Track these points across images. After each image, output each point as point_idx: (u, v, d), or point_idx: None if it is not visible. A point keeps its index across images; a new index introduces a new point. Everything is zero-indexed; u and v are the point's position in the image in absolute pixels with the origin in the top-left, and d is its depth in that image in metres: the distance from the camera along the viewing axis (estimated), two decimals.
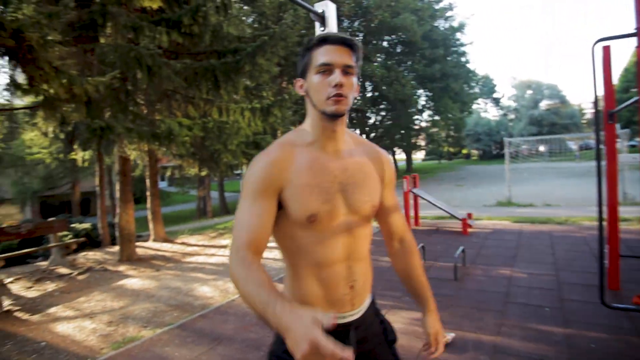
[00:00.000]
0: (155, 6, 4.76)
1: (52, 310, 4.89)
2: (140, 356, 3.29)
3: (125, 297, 5.05)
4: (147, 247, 8.76)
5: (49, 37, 3.51)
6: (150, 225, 9.17)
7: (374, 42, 24.24)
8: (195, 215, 20.61)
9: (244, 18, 15.88)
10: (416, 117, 28.01)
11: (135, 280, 5.92)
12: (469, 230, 7.44)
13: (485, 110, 51.81)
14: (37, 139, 10.42)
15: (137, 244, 9.22)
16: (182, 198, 25.79)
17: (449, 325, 3.37)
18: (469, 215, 7.54)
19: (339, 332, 1.11)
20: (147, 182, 8.92)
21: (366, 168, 1.21)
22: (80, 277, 6.41)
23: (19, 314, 4.87)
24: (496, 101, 50.51)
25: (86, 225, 9.51)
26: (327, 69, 1.08)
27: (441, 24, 27.31)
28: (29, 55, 3.49)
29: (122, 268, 6.82)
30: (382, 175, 1.27)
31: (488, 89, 48.63)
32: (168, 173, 13.46)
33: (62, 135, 7.15)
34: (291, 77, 16.42)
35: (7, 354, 3.68)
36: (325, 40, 1.10)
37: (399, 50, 25.79)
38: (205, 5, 5.32)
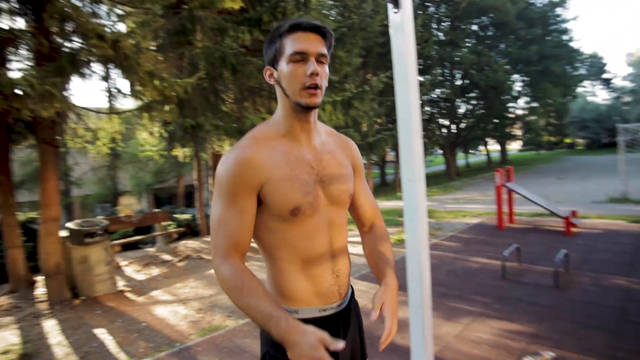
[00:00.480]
0: (237, 7, 4.85)
1: (154, 293, 5.29)
2: (222, 345, 3.35)
3: (215, 286, 5.26)
4: None
5: (141, 45, 3.74)
6: None
7: (462, 26, 22.65)
8: None
9: (325, 12, 15.84)
10: (511, 104, 25.57)
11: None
12: (574, 230, 6.50)
13: (593, 94, 45.69)
14: (147, 138, 11.52)
15: None
16: None
17: (548, 341, 2.89)
18: (573, 213, 6.58)
19: (330, 324, 1.11)
20: None
21: (339, 157, 1.18)
22: (180, 264, 6.89)
23: (129, 294, 5.35)
24: (607, 83, 44.19)
25: (187, 216, 10.27)
26: (301, 58, 1.02)
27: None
28: (124, 62, 3.75)
29: None
30: (353, 163, 1.25)
31: (597, 70, 42.74)
32: None
33: (165, 134, 7.72)
34: (375, 68, 16.01)
35: (116, 330, 4.03)
36: (298, 26, 1.03)
37: (490, 33, 23.79)
38: (284, 0, 5.29)
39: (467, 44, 22.29)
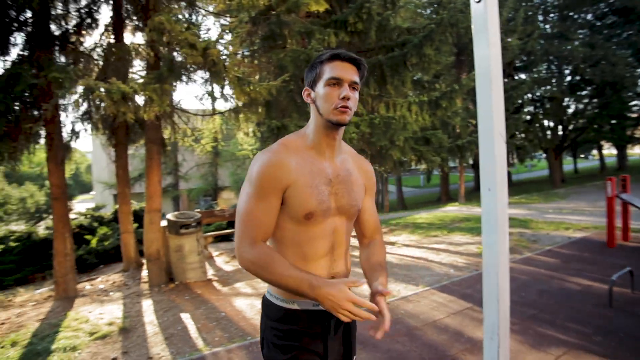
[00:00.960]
0: (322, 9, 4.83)
1: (237, 285, 5.53)
2: None
3: None
4: None
5: (229, 51, 3.92)
6: None
7: (574, 16, 20.06)
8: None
9: (419, 10, 15.19)
10: (634, 102, 21.99)
11: None
12: None
13: None
14: (245, 138, 12.21)
15: None
16: None
17: None
18: None
19: (322, 318, 1.22)
20: None
21: (354, 176, 1.30)
22: None
23: (215, 284, 5.67)
24: None
25: None
26: (336, 83, 1.16)
27: None
28: (213, 68, 3.96)
29: None
30: (366, 184, 1.37)
31: None
32: None
33: (259, 134, 8.04)
34: (471, 66, 14.94)
35: (199, 316, 4.26)
36: (337, 56, 1.18)
37: (608, 21, 20.70)
38: (368, 1, 5.14)
39: (579, 36, 19.71)
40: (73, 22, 6.02)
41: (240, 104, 5.33)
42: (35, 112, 4.28)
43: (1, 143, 3.88)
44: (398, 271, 5.58)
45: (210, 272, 6.39)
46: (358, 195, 1.29)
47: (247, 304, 4.57)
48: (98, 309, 4.82)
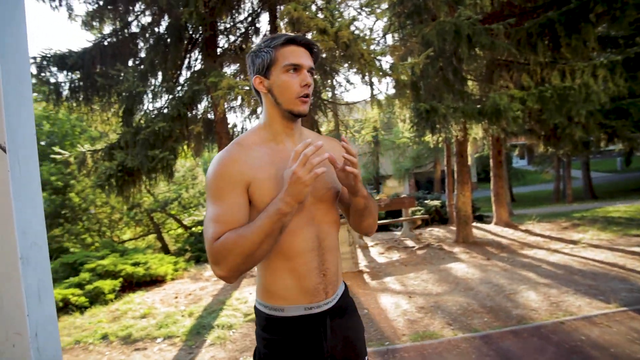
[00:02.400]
0: None
1: (387, 279, 5.27)
2: (430, 358, 2.89)
3: (445, 283, 4.75)
4: (487, 230, 8.15)
5: (361, 32, 3.63)
6: (493, 208, 8.47)
7: None
8: (552, 198, 17.71)
9: None
10: None
11: (463, 266, 5.52)
12: None
13: None
14: (404, 125, 11.81)
15: (479, 225, 8.78)
16: (541, 177, 22.60)
17: None
18: None
19: (315, 322, 1.13)
20: (491, 162, 8.24)
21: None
22: (419, 252, 6.67)
23: (366, 276, 5.54)
24: None
25: (436, 202, 9.94)
26: (295, 69, 1.08)
27: None
28: (346, 52, 3.73)
29: (456, 249, 6.59)
30: (340, 162, 1.16)
31: None
32: (516, 152, 12.09)
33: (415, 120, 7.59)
34: None
35: None
36: (292, 41, 1.10)
37: None
38: None
39: None
40: (239, 33, 6.70)
41: (387, 89, 5.00)
42: (200, 115, 4.90)
43: (176, 143, 4.57)
44: (580, 279, 4.38)
45: (362, 263, 6.31)
46: (333, 177, 1.18)
47: (392, 302, 4.26)
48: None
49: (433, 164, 16.84)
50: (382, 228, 9.76)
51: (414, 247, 7.08)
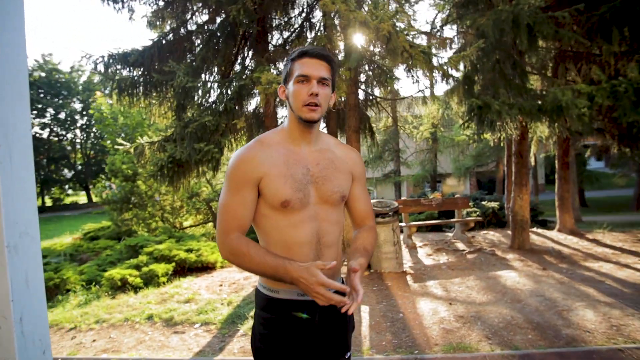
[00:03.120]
0: None
1: (429, 282, 5.02)
2: None
3: (491, 292, 4.41)
4: (548, 236, 7.45)
5: (403, 24, 3.42)
6: (557, 213, 7.75)
7: None
8: (632, 205, 15.76)
9: None
10: None
11: (514, 274, 5.09)
12: None
13: None
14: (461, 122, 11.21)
15: (539, 231, 8.10)
16: (620, 181, 20.22)
17: None
18: None
19: (306, 308, 1.23)
20: (556, 163, 7.54)
21: (337, 164, 1.32)
22: (469, 256, 6.28)
23: (408, 277, 5.33)
24: None
25: (494, 204, 9.30)
26: (304, 80, 1.19)
27: None
28: (388, 45, 3.53)
29: (509, 256, 6.11)
30: (353, 171, 1.37)
31: None
32: (588, 152, 10.89)
33: (466, 117, 7.16)
34: None
35: (376, 312, 4.04)
36: (305, 54, 1.21)
37: None
38: None
39: None
40: (293, 29, 6.71)
41: (435, 84, 4.72)
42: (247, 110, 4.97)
43: (222, 137, 4.68)
44: None
45: (408, 264, 6.08)
46: (341, 182, 1.30)
47: (430, 308, 4.04)
48: None
49: (496, 163, 15.81)
50: (434, 228, 9.35)
51: (464, 250, 6.69)
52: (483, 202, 9.62)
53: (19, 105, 1.20)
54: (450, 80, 4.37)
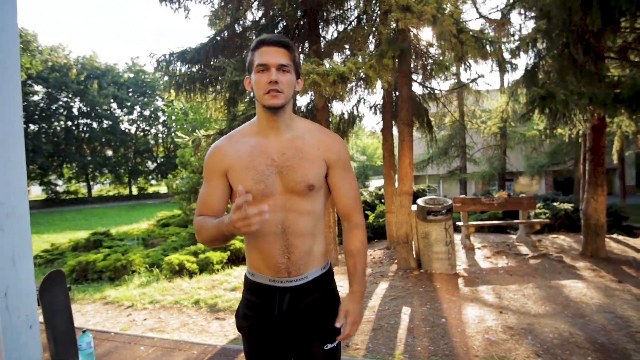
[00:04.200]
0: None
1: (481, 287, 4.62)
2: None
3: (550, 303, 3.92)
4: (631, 245, 6.50)
5: (446, 6, 3.08)
6: None
7: None
8: None
9: None
10: None
11: (581, 285, 4.49)
12: None
13: None
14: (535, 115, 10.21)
15: (620, 238, 7.12)
16: None
17: None
18: None
19: (274, 292, 1.28)
20: None
21: (306, 151, 1.28)
22: (531, 262, 5.69)
23: (460, 280, 4.97)
24: None
25: (566, 206, 8.34)
26: (264, 69, 1.19)
27: None
28: (434, 29, 3.22)
29: (579, 264, 5.41)
30: (328, 158, 1.31)
31: None
32: None
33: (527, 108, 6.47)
34: None
35: (418, 315, 3.78)
36: (262, 42, 1.21)
37: None
38: None
39: None
40: (349, 21, 6.55)
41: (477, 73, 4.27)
42: None
43: None
44: None
45: (462, 266, 5.67)
46: (308, 172, 1.26)
47: (477, 315, 3.69)
48: (341, 282, 5.13)
49: (574, 161, 14.26)
50: (497, 229, 8.64)
51: (526, 255, 6.08)
52: (554, 203, 8.70)
53: (12, 98, 1.21)
54: (509, 67, 3.92)
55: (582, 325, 3.33)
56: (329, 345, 1.33)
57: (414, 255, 5.84)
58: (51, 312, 2.92)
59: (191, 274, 5.90)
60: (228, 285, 5.14)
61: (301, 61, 4.32)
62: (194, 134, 5.97)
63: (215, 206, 1.28)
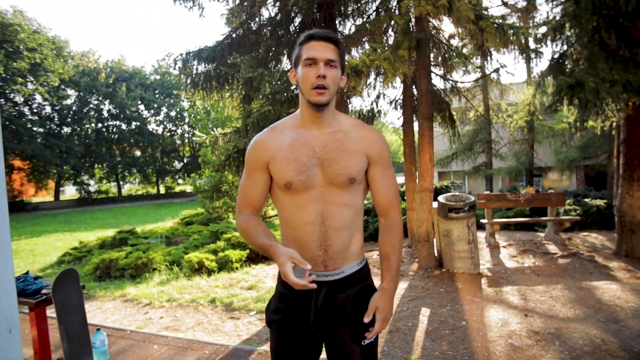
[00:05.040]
0: None
1: (506, 288, 4.39)
2: None
3: (581, 306, 3.66)
4: None
5: None
6: None
7: None
8: None
9: None
10: None
11: (615, 287, 4.19)
12: None
13: None
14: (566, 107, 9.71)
15: None
16: None
17: None
18: None
19: (313, 292, 1.25)
20: None
21: (348, 145, 1.28)
22: (560, 261, 5.38)
23: (483, 280, 4.75)
24: None
25: (599, 202, 7.86)
26: (312, 63, 1.19)
27: None
28: (451, 15, 3.00)
29: (613, 264, 5.07)
30: (369, 153, 1.30)
31: None
32: None
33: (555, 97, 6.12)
34: None
35: (437, 317, 3.61)
36: (311, 37, 1.21)
37: None
38: None
39: None
40: (366, 15, 6.38)
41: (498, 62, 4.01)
42: None
43: None
44: None
45: (486, 265, 5.43)
46: (349, 164, 1.26)
47: (500, 318, 3.49)
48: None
49: (607, 155, 13.53)
50: (525, 227, 8.27)
51: (555, 254, 5.76)
52: (586, 199, 8.24)
53: None
54: (533, 56, 3.67)
55: (616, 331, 3.08)
56: (366, 341, 1.29)
57: (436, 254, 5.64)
58: (64, 310, 2.93)
59: (210, 272, 5.90)
60: (245, 284, 5.10)
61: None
62: (212, 132, 5.96)
63: (257, 199, 1.31)
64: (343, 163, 1.25)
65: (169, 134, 35.02)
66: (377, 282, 1.32)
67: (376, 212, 1.43)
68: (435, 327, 3.40)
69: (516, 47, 3.43)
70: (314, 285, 1.07)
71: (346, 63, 3.68)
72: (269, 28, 5.36)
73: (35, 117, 26.88)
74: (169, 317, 4.15)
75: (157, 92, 33.02)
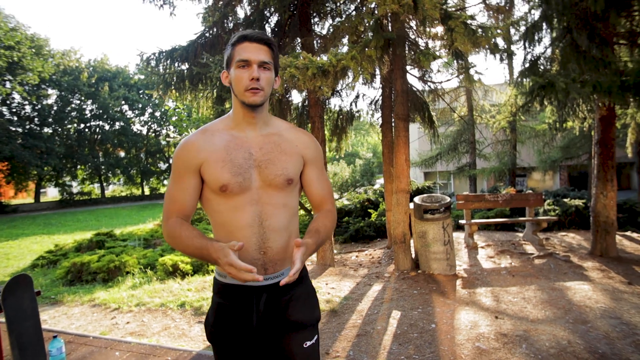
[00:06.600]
0: None
1: (480, 289, 4.38)
2: None
3: (551, 307, 3.66)
4: None
5: None
6: None
7: None
8: None
9: None
10: None
11: (587, 287, 4.20)
12: None
13: None
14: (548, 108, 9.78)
15: (635, 236, 6.75)
16: None
17: None
18: None
19: (249, 293, 1.23)
20: None
21: (284, 147, 1.28)
22: (536, 261, 5.40)
23: (458, 282, 4.74)
24: None
25: (578, 202, 7.94)
26: (245, 64, 1.18)
27: None
28: (415, 16, 2.97)
29: (588, 264, 5.11)
30: (304, 154, 1.32)
31: None
32: None
33: (526, 98, 6.15)
34: None
35: (408, 320, 3.57)
36: (245, 38, 1.19)
37: None
38: None
39: None
40: (345, 15, 6.33)
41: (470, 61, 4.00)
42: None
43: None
44: None
45: (462, 266, 5.43)
46: (287, 165, 1.27)
47: (470, 320, 3.46)
48: (334, 283, 4.96)
49: (588, 155, 13.74)
50: (505, 227, 8.32)
51: (532, 254, 5.78)
52: (565, 200, 8.32)
53: None
54: (505, 55, 3.66)
55: (583, 332, 3.07)
56: (308, 343, 1.28)
57: (412, 256, 5.61)
58: (16, 318, 2.81)
59: (184, 275, 5.77)
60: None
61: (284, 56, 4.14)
62: (187, 132, 5.83)
63: (187, 205, 1.24)
64: (281, 165, 1.25)
65: (153, 134, 34.55)
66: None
67: (312, 207, 1.39)
68: (404, 330, 3.35)
69: (486, 47, 3.41)
70: (260, 277, 1.03)
71: (311, 62, 3.64)
72: (243, 27, 5.27)
73: (14, 117, 26.24)
74: (136, 322, 4.03)
75: (141, 92, 32.55)
